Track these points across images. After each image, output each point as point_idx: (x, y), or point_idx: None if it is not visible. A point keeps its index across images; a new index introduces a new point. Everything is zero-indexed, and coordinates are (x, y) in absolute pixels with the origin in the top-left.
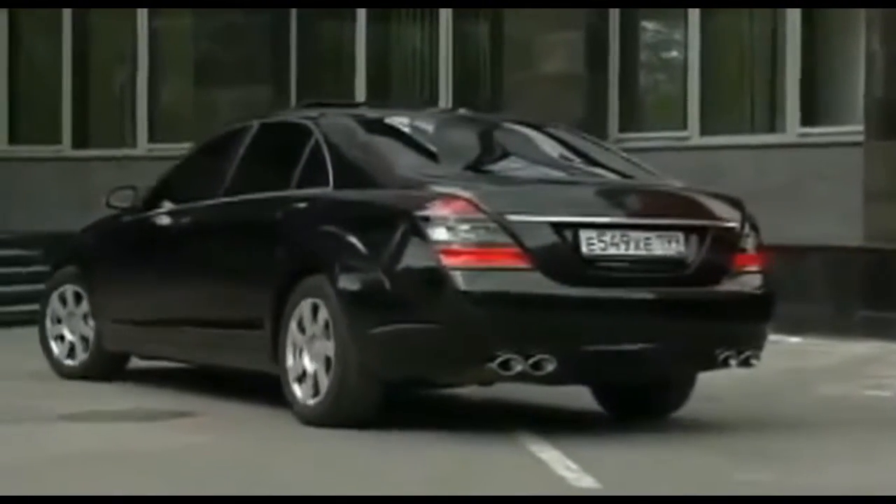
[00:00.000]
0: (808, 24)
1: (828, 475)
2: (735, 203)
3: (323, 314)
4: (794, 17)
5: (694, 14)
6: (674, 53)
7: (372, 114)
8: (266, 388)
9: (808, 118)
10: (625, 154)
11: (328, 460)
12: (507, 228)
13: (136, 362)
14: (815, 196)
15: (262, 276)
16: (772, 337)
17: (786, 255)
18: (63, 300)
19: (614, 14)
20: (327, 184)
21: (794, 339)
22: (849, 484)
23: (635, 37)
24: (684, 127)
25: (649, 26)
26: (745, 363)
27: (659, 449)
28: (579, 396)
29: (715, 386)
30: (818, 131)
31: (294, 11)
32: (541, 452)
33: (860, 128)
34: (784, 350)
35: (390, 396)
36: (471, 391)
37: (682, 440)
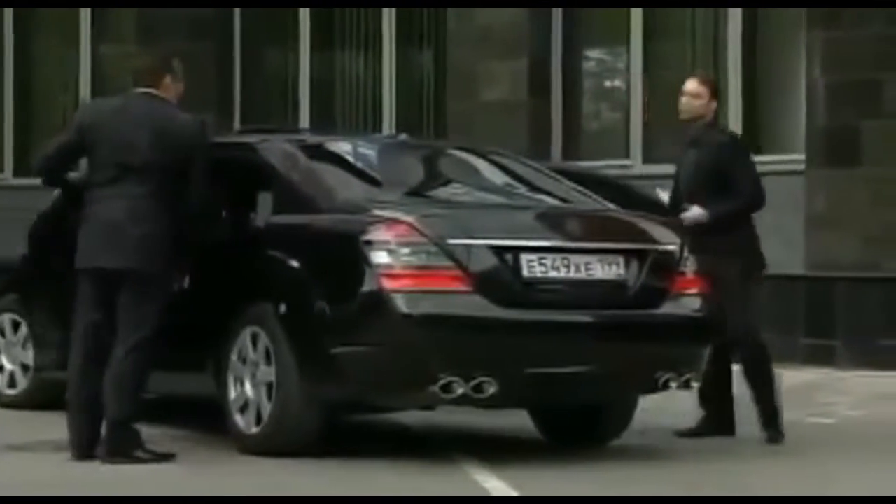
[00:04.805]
0: (749, 54)
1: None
2: (673, 226)
3: (263, 342)
4: (735, 45)
5: (636, 42)
6: (617, 82)
7: (313, 139)
8: (209, 417)
9: (751, 147)
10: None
11: (268, 490)
12: (448, 252)
13: None
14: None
15: (205, 303)
16: None
17: None
18: (1, 331)
19: (557, 42)
20: (269, 209)
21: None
22: None
23: (578, 65)
24: (627, 155)
25: (592, 54)
26: (686, 385)
27: (606, 479)
28: (521, 422)
29: (650, 412)
30: (760, 160)
31: (238, 39)
32: (485, 482)
33: (802, 156)
34: None
35: (332, 423)
36: (412, 417)
37: (628, 469)
